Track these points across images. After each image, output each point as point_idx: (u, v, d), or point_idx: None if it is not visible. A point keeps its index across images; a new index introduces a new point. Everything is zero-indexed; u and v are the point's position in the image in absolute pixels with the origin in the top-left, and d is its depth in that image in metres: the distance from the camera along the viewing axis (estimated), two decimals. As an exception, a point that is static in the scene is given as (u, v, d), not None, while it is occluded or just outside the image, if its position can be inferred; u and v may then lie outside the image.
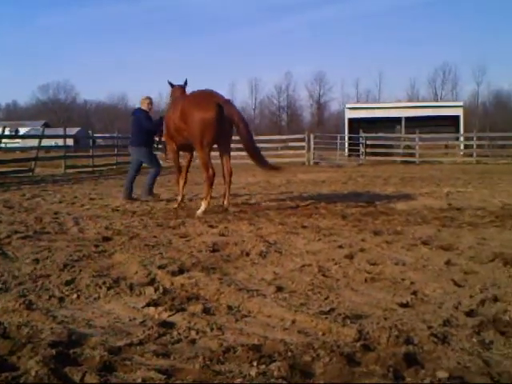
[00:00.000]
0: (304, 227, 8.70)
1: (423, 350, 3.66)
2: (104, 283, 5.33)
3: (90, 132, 37.81)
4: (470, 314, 4.46)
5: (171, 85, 11.98)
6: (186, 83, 11.87)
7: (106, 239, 7.68)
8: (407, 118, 46.62)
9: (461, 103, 53.04)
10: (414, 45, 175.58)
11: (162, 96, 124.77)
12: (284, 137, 41.30)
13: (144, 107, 13.30)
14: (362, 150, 37.91)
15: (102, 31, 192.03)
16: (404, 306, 4.67)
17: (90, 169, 26.16)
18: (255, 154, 10.40)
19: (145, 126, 12.85)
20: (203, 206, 10.22)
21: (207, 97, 10.22)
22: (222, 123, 9.90)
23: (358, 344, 3.75)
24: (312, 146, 34.95)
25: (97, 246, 7.16)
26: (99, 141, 50.69)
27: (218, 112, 9.81)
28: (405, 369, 3.36)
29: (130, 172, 13.56)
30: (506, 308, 4.56)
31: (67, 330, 4.08)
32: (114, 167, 28.42)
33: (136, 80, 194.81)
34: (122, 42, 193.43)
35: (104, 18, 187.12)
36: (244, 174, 21.90)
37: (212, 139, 10.04)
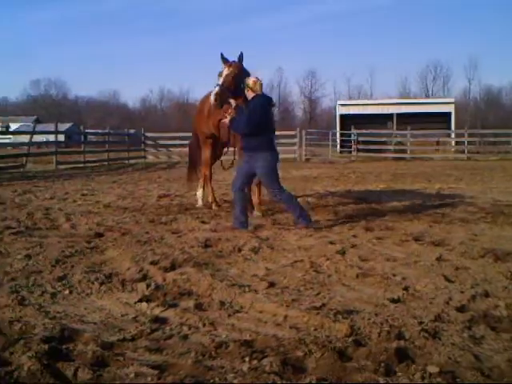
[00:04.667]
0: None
1: (414, 345, 3.68)
2: (96, 279, 5.34)
3: (81, 128, 37.51)
4: (460, 309, 4.49)
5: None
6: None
7: (98, 235, 7.68)
8: (399, 115, 46.60)
9: (452, 100, 53.14)
10: (406, 41, 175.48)
11: (152, 92, 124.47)
12: (276, 133, 41.24)
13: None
14: (353, 146, 37.95)
15: (94, 26, 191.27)
16: (395, 301, 4.69)
17: (81, 164, 26.09)
18: None
19: None
20: None
21: None
22: None
23: (350, 339, 3.77)
24: (304, 142, 34.93)
25: (89, 242, 7.16)
26: (91, 137, 50.53)
27: None
28: (396, 364, 3.38)
29: None
30: (496, 303, 4.59)
31: (60, 325, 4.08)
32: (106, 163, 28.35)
33: (127, 77, 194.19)
34: (114, 37, 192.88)
35: (96, 12, 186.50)
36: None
37: None
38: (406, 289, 5.03)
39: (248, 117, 8.12)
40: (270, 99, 8.57)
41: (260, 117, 8.13)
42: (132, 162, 30.89)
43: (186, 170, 11.77)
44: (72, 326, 4.14)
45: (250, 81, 8.32)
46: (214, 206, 10.53)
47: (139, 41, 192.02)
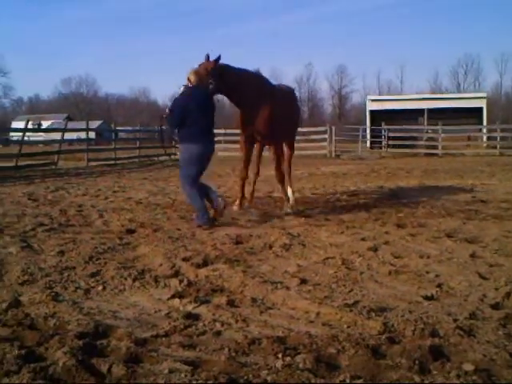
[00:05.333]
0: (327, 220, 8.69)
1: (449, 343, 3.65)
2: (129, 275, 5.38)
3: (112, 125, 37.82)
4: (495, 306, 4.44)
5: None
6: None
7: (130, 232, 7.73)
8: (430, 110, 46.16)
9: (484, 94, 52.43)
10: (437, 36, 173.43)
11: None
12: (305, 129, 41.01)
13: None
14: (384, 142, 37.70)
15: (126, 24, 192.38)
16: (429, 298, 4.66)
17: (112, 162, 26.26)
18: None
19: None
20: None
21: None
22: None
23: (383, 337, 3.75)
24: (333, 138, 34.78)
25: (121, 239, 7.21)
26: (121, 134, 50.80)
27: None
28: (431, 361, 3.36)
29: None
30: (531, 301, 4.53)
31: (94, 321, 4.13)
32: (136, 160, 28.50)
33: (157, 74, 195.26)
34: (144, 35, 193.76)
35: (126, 10, 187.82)
36: (265, 167, 21.89)
37: None
38: (439, 286, 4.99)
39: (170, 112, 8.41)
40: (199, 91, 8.38)
41: (180, 111, 8.22)
42: (162, 158, 31.02)
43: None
44: (106, 321, 4.18)
45: (191, 73, 8.37)
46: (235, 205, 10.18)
47: (169, 38, 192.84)
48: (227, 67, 8.98)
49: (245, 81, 9.21)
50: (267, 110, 9.31)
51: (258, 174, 10.44)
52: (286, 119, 9.96)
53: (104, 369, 3.27)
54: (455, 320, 4.08)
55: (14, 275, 5.42)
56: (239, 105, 9.40)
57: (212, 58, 8.69)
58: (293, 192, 10.72)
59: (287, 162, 10.88)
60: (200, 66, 8.74)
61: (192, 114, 8.16)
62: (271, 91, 9.75)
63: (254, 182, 10.43)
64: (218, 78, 8.66)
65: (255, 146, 10.33)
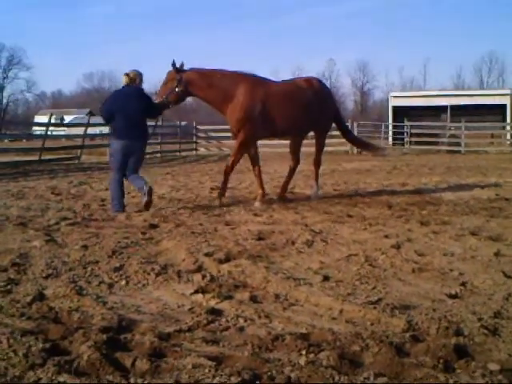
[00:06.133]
0: (349, 216, 8.65)
1: (474, 342, 3.62)
2: (152, 270, 5.39)
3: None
4: (520, 305, 4.39)
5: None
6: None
7: (153, 226, 7.76)
8: (453, 107, 45.70)
9: (508, 91, 51.80)
10: (460, 32, 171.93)
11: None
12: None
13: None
14: (406, 138, 37.47)
15: (146, 20, 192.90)
16: (453, 297, 4.62)
17: (134, 157, 26.35)
18: None
19: None
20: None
21: None
22: None
23: (407, 335, 3.73)
24: (355, 134, 34.61)
25: (144, 233, 7.24)
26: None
27: None
28: (455, 360, 3.32)
29: None
30: (557, 300, 4.48)
31: (117, 315, 4.15)
32: (158, 155, 28.59)
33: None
34: (165, 31, 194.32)
35: (149, 7, 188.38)
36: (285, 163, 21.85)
37: None
38: (463, 284, 4.95)
39: (101, 107, 9.64)
40: (128, 89, 9.36)
41: (108, 106, 9.37)
42: (184, 154, 31.10)
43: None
44: (129, 316, 4.20)
45: (123, 75, 9.44)
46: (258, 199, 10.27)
47: (189, 35, 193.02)
48: (192, 72, 9.91)
49: (216, 84, 9.90)
50: (239, 106, 9.62)
51: (294, 165, 11.08)
52: (293, 114, 10.08)
53: (128, 363, 3.28)
54: (480, 319, 4.05)
55: (38, 269, 5.47)
56: (214, 105, 10.29)
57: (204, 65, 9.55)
58: (317, 189, 10.84)
59: (316, 156, 11.08)
60: (167, 74, 9.99)
61: (119, 110, 9.14)
62: (254, 87, 9.88)
63: (290, 175, 10.79)
64: (185, 84, 9.80)
65: (292, 139, 11.08)
